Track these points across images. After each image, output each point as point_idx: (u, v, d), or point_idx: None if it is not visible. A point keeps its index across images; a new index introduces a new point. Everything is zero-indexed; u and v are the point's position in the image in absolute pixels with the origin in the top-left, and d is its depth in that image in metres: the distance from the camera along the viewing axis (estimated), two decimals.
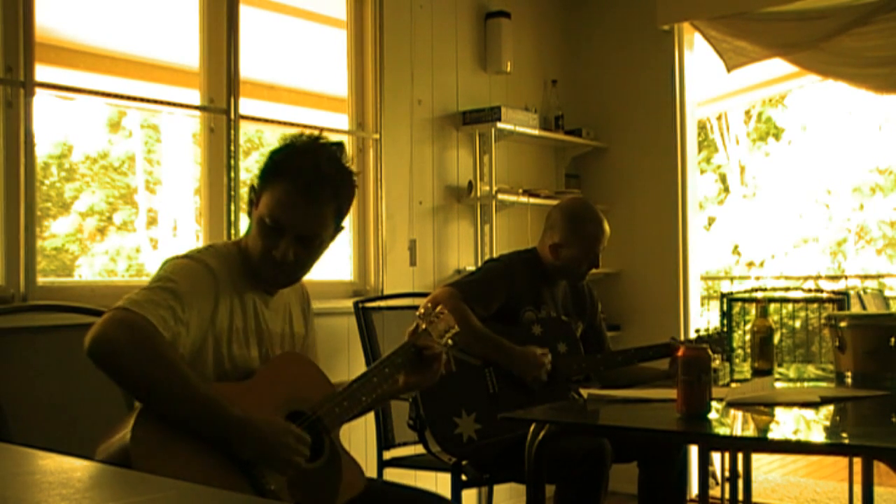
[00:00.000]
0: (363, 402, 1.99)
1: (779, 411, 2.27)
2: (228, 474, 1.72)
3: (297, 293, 2.14)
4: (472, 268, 4.15)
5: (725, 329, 4.31)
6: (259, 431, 1.74)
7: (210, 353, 1.87)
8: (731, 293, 4.67)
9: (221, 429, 1.71)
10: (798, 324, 4.61)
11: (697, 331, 3.10)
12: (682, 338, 4.29)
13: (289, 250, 1.91)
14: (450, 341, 2.17)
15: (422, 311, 2.19)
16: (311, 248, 1.95)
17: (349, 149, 3.88)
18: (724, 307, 4.47)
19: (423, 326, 2.14)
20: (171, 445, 1.68)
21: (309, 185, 1.90)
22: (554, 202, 3.60)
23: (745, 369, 3.08)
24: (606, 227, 3.07)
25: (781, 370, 3.21)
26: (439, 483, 3.78)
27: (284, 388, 1.91)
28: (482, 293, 2.93)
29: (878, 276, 10.24)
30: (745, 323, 4.47)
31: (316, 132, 2.03)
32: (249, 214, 1.99)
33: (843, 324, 2.65)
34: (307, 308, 2.17)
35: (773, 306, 4.56)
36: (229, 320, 1.90)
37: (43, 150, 3.37)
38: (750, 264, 12.73)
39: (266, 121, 3.66)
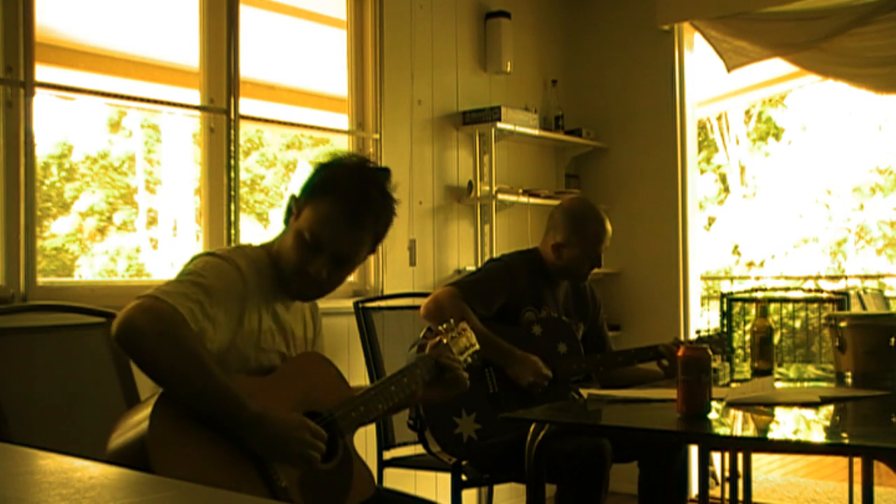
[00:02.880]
0: (379, 409, 2.01)
1: (779, 411, 2.27)
2: (242, 469, 1.73)
3: None
4: (472, 268, 4.15)
5: (725, 329, 4.31)
6: (275, 427, 1.74)
7: (236, 354, 1.87)
8: (731, 293, 4.67)
9: (237, 422, 1.72)
10: (798, 324, 4.60)
11: (698, 331, 3.10)
12: (682, 338, 4.29)
13: (322, 269, 1.93)
14: (469, 359, 2.18)
15: (444, 326, 2.20)
16: (343, 269, 1.97)
17: (348, 149, 3.89)
18: (724, 307, 4.47)
19: (445, 341, 2.14)
20: (187, 437, 1.69)
21: (355, 211, 1.92)
22: (554, 202, 3.61)
23: (745, 369, 3.08)
24: (608, 226, 3.07)
25: (781, 370, 3.21)
26: (439, 483, 3.78)
27: (303, 386, 1.92)
28: (483, 293, 2.93)
29: (878, 276, 10.24)
30: (745, 323, 4.46)
31: (365, 154, 2.04)
32: (286, 222, 1.99)
33: (843, 324, 2.65)
34: (315, 311, 2.19)
35: (773, 306, 4.56)
36: (258, 322, 1.91)
37: (43, 150, 3.37)
38: (750, 264, 12.73)
39: (266, 121, 3.66)
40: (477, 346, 2.22)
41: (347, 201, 1.92)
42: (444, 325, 2.19)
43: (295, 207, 1.97)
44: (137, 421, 1.67)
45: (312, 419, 1.86)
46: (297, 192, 2.00)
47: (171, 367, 1.69)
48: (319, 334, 2.19)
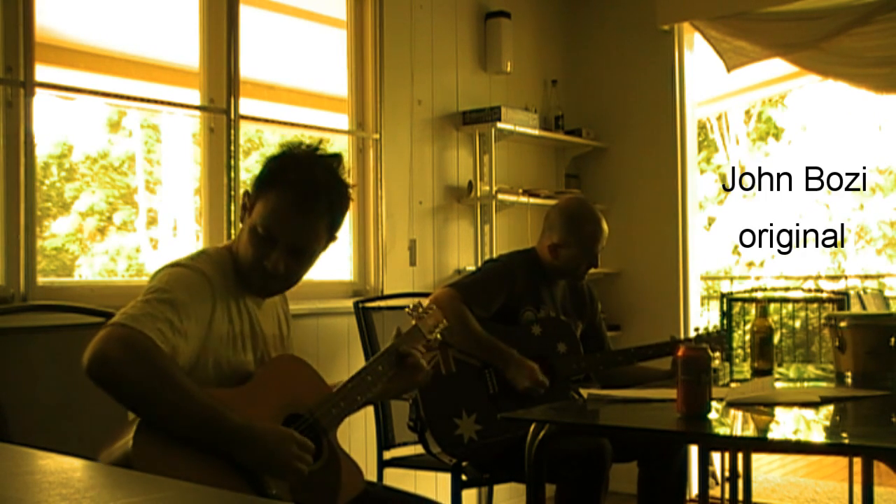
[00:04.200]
0: (359, 400, 2.00)
1: (779, 411, 2.27)
2: (231, 479, 1.72)
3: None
4: (472, 268, 4.15)
5: (725, 329, 4.32)
6: (262, 439, 1.74)
7: (209, 359, 1.86)
8: (731, 293, 4.67)
9: (224, 438, 1.71)
10: (798, 324, 4.61)
11: (697, 329, 3.10)
12: (682, 337, 4.29)
13: (280, 261, 1.90)
14: (439, 336, 2.18)
15: (409, 307, 2.19)
16: (302, 259, 1.94)
17: (348, 149, 3.89)
18: (724, 307, 4.47)
19: (413, 323, 2.14)
20: (173, 452, 1.68)
21: (304, 198, 1.89)
22: (554, 202, 3.60)
23: (745, 369, 3.08)
24: (605, 226, 3.07)
25: (781, 370, 3.21)
26: (439, 483, 3.78)
27: (281, 390, 1.91)
28: (482, 294, 2.93)
29: (878, 276, 10.24)
30: (745, 323, 4.47)
31: (315, 142, 2.01)
32: (242, 220, 1.98)
33: (843, 324, 2.65)
34: (286, 307, 2.18)
35: (773, 306, 4.56)
36: (227, 326, 1.90)
37: (43, 150, 3.37)
38: (750, 264, 12.72)
39: (266, 121, 3.66)
40: (446, 323, 2.21)
41: (295, 190, 1.89)
42: (408, 309, 2.18)
43: (248, 203, 1.95)
44: (122, 441, 1.65)
45: (294, 421, 1.87)
46: (249, 188, 1.98)
47: (148, 395, 1.67)
48: (290, 332, 2.18)
